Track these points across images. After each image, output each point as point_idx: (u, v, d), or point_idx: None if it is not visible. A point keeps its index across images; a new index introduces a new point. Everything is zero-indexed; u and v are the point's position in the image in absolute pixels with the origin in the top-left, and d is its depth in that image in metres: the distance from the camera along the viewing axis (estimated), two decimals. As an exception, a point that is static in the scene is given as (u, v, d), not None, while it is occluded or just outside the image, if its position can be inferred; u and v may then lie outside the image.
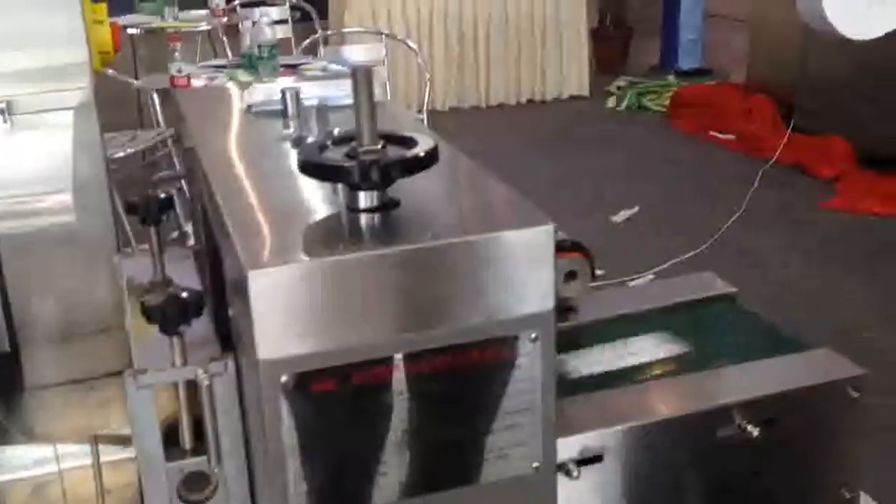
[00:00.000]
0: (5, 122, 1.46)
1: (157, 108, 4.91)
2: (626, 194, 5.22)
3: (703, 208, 5.00)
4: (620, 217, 4.96)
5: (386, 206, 1.18)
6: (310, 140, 1.37)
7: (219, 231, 1.26)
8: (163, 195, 1.52)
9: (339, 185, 1.21)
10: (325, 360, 1.06)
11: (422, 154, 1.18)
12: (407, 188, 1.20)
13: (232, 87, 2.11)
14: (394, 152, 1.19)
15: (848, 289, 4.06)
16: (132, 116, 5.86)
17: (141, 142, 4.80)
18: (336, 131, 1.28)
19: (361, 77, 1.16)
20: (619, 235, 4.76)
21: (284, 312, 1.04)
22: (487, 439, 1.15)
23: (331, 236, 1.16)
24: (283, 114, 1.61)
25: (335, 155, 1.20)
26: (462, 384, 1.12)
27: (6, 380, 1.51)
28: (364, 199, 1.17)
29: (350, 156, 1.17)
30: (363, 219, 1.17)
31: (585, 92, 7.75)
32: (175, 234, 3.63)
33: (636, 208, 5.03)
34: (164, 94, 4.87)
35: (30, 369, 1.51)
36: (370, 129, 1.18)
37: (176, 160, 4.92)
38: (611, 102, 7.51)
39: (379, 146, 1.18)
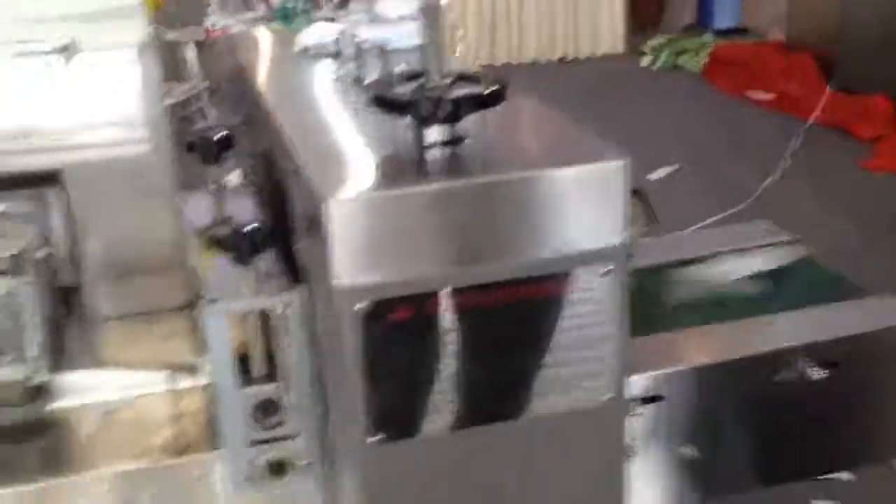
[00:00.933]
0: (69, 60, 1.47)
1: (194, 60, 4.91)
2: (662, 153, 5.17)
3: (741, 168, 4.94)
4: (657, 175, 4.92)
5: (455, 142, 1.18)
6: (371, 78, 1.37)
7: (287, 168, 1.27)
8: (223, 134, 1.51)
9: (408, 121, 1.20)
10: (400, 290, 1.07)
11: (491, 90, 1.17)
12: (480, 125, 1.19)
13: (283, 32, 2.10)
14: (462, 89, 1.18)
15: (889, 247, 4.02)
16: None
17: (176, 94, 4.80)
18: (403, 68, 1.27)
19: (431, 14, 1.16)
20: (656, 194, 4.71)
21: (359, 242, 1.05)
22: (562, 371, 1.15)
23: (402, 169, 1.16)
24: (338, 55, 1.60)
25: (404, 90, 1.20)
26: (537, 316, 1.12)
27: (72, 312, 1.53)
28: (434, 133, 1.17)
29: (419, 91, 1.17)
30: (435, 153, 1.17)
31: (619, 50, 7.66)
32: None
33: (677, 165, 4.98)
34: (199, 47, 4.87)
35: (92, 303, 1.53)
36: (439, 65, 1.17)
37: (210, 112, 4.92)
38: (645, 61, 7.41)
39: (448, 82, 1.17)
